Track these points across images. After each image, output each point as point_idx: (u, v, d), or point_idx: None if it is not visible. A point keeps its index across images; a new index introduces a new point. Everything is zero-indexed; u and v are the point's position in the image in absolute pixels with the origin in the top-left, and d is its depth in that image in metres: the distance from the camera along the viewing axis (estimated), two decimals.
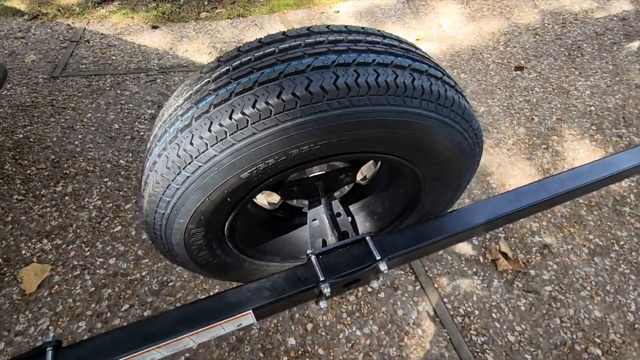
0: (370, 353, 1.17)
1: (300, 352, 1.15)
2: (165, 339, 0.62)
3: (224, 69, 0.50)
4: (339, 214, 0.80)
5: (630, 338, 1.22)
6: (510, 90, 2.02)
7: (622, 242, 1.44)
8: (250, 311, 0.66)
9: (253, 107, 0.45)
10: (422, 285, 1.31)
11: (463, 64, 2.18)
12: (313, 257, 0.70)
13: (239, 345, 1.16)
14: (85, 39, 2.33)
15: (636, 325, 1.24)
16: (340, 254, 0.73)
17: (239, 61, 0.50)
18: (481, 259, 1.38)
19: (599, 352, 1.19)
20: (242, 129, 0.46)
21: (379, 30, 0.56)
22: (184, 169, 0.49)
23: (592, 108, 1.94)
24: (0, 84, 1.21)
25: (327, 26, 0.54)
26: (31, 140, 1.72)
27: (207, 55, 2.24)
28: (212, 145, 0.47)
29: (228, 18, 2.53)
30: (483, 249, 1.41)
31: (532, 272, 1.35)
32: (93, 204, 1.49)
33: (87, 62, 2.16)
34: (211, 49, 2.28)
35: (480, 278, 1.33)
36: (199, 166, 0.48)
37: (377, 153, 0.57)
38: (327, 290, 0.67)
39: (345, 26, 0.54)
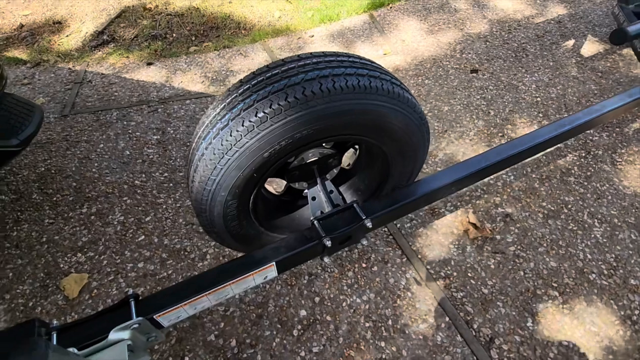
0: (370, 315, 1.39)
1: (311, 320, 1.37)
2: (213, 287, 0.84)
3: (246, 86, 0.75)
4: (331, 191, 1.04)
5: (581, 280, 1.47)
6: (469, 90, 2.33)
7: (570, 206, 1.72)
8: (274, 263, 0.89)
9: (270, 107, 0.70)
10: (407, 257, 1.55)
11: (426, 72, 2.49)
12: (315, 221, 0.94)
13: (259, 320, 1.37)
14: (88, 80, 2.57)
15: (584, 270, 1.50)
16: (335, 218, 0.96)
17: (256, 80, 0.75)
18: (454, 231, 1.63)
19: (557, 293, 1.44)
20: (264, 122, 0.70)
21: (344, 53, 0.82)
22: (226, 154, 0.72)
23: (538, 99, 2.26)
24: (39, 125, 1.41)
25: (310, 53, 0.80)
26: (52, 171, 1.92)
27: (201, 84, 2.50)
28: (245, 135, 0.71)
29: (215, 50, 2.81)
30: (456, 223, 1.66)
31: (498, 237, 1.61)
32: (117, 220, 1.69)
33: (93, 100, 2.39)
34: (203, 78, 2.55)
35: (455, 246, 1.58)
36: (236, 151, 0.72)
37: (351, 135, 0.82)
38: (328, 243, 0.91)
39: (323, 52, 0.80)
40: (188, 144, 2.05)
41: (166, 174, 1.90)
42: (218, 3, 3.20)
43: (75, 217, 1.70)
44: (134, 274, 1.50)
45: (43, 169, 1.94)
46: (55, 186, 1.84)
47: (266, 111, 0.69)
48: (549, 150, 1.93)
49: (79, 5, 3.21)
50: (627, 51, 2.55)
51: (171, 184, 1.85)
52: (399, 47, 2.70)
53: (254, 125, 0.70)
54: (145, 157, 1.99)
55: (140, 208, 1.74)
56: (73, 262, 1.54)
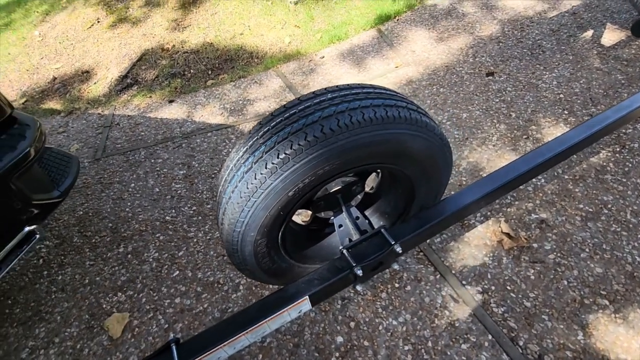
0: (408, 337, 1.35)
1: (348, 347, 1.35)
2: (251, 325, 0.84)
3: (265, 128, 0.77)
4: (357, 218, 1.04)
5: (632, 285, 1.38)
6: (486, 94, 2.29)
7: (609, 205, 1.63)
8: (307, 297, 0.89)
9: (291, 148, 0.71)
10: (441, 274, 1.51)
11: (440, 80, 2.47)
12: (344, 251, 0.94)
13: (296, 349, 1.36)
14: (116, 123, 2.72)
15: (635, 274, 1.41)
16: (364, 246, 0.96)
17: (275, 122, 0.77)
18: (488, 242, 1.58)
19: (606, 302, 1.35)
20: (286, 163, 0.72)
21: (358, 84, 0.83)
22: (252, 196, 0.74)
23: (561, 95, 2.19)
24: (76, 175, 1.50)
25: (325, 88, 0.81)
26: (90, 214, 2.02)
27: (220, 116, 2.59)
28: (269, 177, 0.73)
29: (231, 81, 2.92)
30: (488, 234, 1.61)
31: (535, 245, 1.54)
32: (152, 257, 1.75)
33: (122, 141, 2.52)
34: (222, 110, 2.64)
35: (491, 258, 1.53)
36: (262, 192, 0.74)
37: (373, 164, 0.82)
38: (359, 272, 0.90)
39: (337, 86, 0.82)
40: (214, 176, 2.12)
41: (194, 208, 1.95)
42: (230, 36, 3.33)
43: (114, 257, 1.78)
44: (172, 310, 1.54)
45: (81, 212, 2.04)
46: (94, 228, 1.94)
47: (287, 152, 0.71)
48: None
49: (104, 54, 3.43)
50: None
51: (200, 217, 1.90)
52: (410, 59, 2.70)
53: (276, 167, 0.72)
54: (174, 193, 2.06)
55: (172, 243, 1.80)
56: (114, 301, 1.60)
